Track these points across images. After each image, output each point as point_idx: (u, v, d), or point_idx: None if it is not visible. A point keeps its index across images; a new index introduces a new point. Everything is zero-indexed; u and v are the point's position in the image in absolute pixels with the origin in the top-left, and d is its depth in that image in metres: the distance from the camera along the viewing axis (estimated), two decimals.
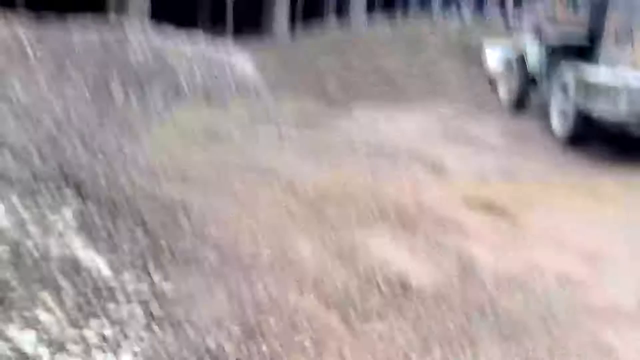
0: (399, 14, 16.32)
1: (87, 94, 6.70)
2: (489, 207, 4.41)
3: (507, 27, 14.96)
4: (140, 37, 8.08)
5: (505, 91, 8.44)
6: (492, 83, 9.10)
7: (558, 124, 6.64)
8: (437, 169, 5.42)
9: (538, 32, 8.13)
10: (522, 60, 7.95)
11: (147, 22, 10.19)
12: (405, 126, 7.21)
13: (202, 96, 7.46)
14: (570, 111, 6.32)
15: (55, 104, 5.28)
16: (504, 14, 17.90)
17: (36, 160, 3.11)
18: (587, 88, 5.99)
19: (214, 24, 11.55)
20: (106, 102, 6.79)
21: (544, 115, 7.27)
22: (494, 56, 8.98)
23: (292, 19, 13.50)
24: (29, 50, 6.61)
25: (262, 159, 5.51)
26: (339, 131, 6.85)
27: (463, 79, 9.52)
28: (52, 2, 8.29)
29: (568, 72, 6.58)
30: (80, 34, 7.44)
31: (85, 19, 7.58)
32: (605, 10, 6.32)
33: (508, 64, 8.39)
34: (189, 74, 7.75)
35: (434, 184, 5.04)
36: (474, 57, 10.04)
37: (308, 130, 6.72)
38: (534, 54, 7.67)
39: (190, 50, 8.28)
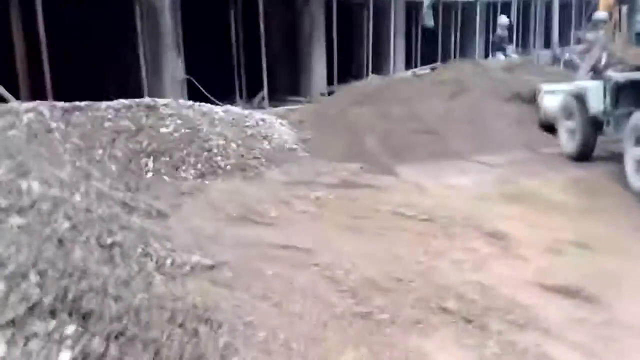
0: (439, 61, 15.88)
1: (115, 172, 6.43)
2: (570, 291, 3.71)
3: (555, 64, 14.25)
4: (172, 108, 7.84)
5: (566, 139, 7.67)
6: (549, 130, 8.38)
7: (635, 177, 5.86)
8: (500, 239, 4.75)
9: (598, 72, 7.42)
10: (583, 104, 7.20)
11: (182, 95, 10.05)
12: (455, 184, 6.58)
13: (236, 166, 7.06)
14: None
15: (75, 190, 4.94)
16: (552, 54, 17.22)
17: (33, 289, 2.66)
18: None
19: (251, 90, 11.33)
20: (135, 178, 6.48)
21: (615, 165, 6.50)
22: (553, 101, 8.27)
23: (330, 79, 13.22)
24: (55, 132, 6.41)
25: (298, 234, 5.01)
26: (383, 194, 6.28)
27: (513, 124, 8.85)
28: (85, 92, 8.16)
29: None
30: (111, 112, 7.24)
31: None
32: None
33: (568, 108, 7.64)
34: (223, 143, 7.40)
35: (498, 259, 4.38)
36: (524, 98, 9.38)
37: (348, 195, 6.19)
38: (597, 97, 6.92)
39: (224, 118, 7.97)
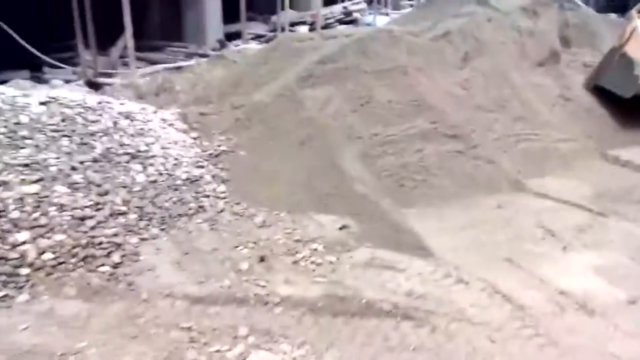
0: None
1: None
2: None
3: None
4: None
5: None
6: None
7: None
8: None
9: None
10: None
11: None
12: (585, 293, 2.99)
13: (68, 255, 2.96)
14: None
15: None
16: None
17: None
18: None
19: (104, 35, 6.89)
20: None
21: None
22: None
23: (229, 16, 8.98)
24: None
25: None
26: (443, 354, 2.57)
27: (559, 106, 5.43)
28: None
29: None
30: None
31: None
32: None
33: None
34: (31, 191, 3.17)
35: None
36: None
37: (345, 334, 2.41)
38: None
39: (40, 117, 3.65)
